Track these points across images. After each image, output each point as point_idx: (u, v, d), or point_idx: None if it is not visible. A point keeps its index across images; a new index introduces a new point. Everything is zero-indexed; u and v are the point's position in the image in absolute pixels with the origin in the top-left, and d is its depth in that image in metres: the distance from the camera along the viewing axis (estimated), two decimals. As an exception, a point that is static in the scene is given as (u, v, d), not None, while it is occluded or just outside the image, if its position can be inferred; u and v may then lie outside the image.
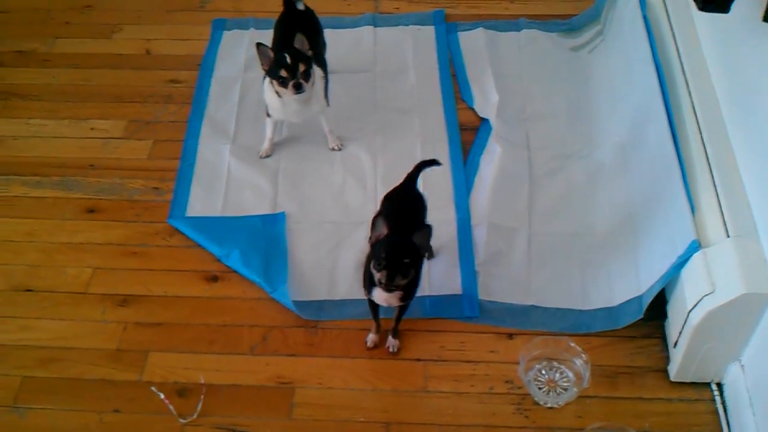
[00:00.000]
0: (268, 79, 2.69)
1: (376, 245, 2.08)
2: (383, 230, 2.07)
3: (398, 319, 2.32)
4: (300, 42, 2.59)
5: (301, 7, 2.92)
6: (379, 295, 2.18)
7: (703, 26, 2.61)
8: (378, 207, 2.39)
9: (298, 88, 2.58)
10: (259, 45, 2.58)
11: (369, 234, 2.17)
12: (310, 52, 2.62)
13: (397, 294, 2.16)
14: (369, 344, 2.37)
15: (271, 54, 2.59)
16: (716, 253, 2.12)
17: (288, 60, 2.56)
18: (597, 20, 3.32)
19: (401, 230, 2.11)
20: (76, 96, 3.22)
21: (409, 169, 2.42)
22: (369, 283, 2.19)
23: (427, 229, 2.09)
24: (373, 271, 2.08)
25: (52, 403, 2.27)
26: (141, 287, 2.54)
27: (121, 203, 2.80)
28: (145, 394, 2.27)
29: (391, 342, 2.36)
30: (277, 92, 2.67)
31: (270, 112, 2.81)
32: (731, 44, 2.41)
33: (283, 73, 2.57)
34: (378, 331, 2.37)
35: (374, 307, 2.30)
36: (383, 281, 2.06)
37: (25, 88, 3.26)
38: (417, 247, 2.08)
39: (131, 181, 2.87)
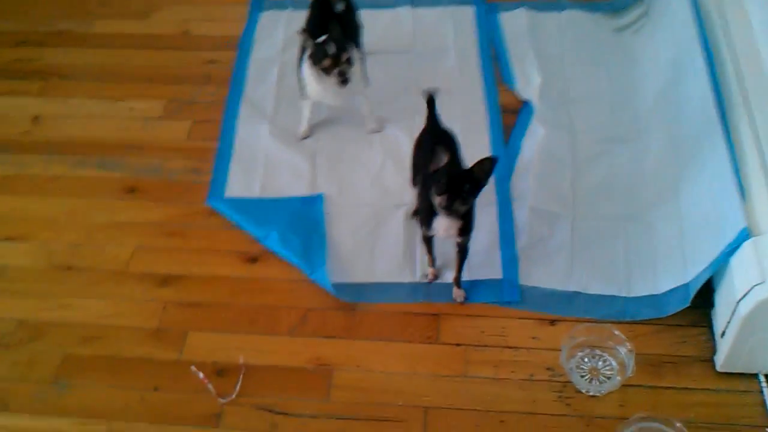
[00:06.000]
0: (307, 62, 2.66)
1: (436, 173, 2.12)
2: (444, 158, 2.11)
3: (460, 268, 2.37)
4: (336, 31, 2.56)
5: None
6: (440, 225, 2.22)
7: (754, 5, 2.53)
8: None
9: (343, 76, 2.56)
10: (303, 32, 2.57)
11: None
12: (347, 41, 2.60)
13: (457, 223, 2.20)
14: (430, 277, 2.43)
15: (313, 42, 2.57)
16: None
17: (332, 49, 2.54)
18: (641, 0, 3.24)
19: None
20: (115, 76, 3.23)
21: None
22: (427, 216, 2.24)
23: (487, 160, 2.10)
24: (434, 197, 2.14)
25: (92, 380, 2.29)
26: (181, 267, 2.55)
27: (161, 183, 2.80)
28: (185, 374, 2.28)
29: (457, 292, 2.40)
30: (317, 74, 2.64)
31: (308, 93, 2.78)
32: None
33: (327, 62, 2.56)
34: (434, 264, 2.42)
35: (429, 242, 2.36)
36: (443, 204, 2.11)
37: (65, 68, 3.28)
38: (476, 178, 2.11)
39: (171, 161, 2.87)
